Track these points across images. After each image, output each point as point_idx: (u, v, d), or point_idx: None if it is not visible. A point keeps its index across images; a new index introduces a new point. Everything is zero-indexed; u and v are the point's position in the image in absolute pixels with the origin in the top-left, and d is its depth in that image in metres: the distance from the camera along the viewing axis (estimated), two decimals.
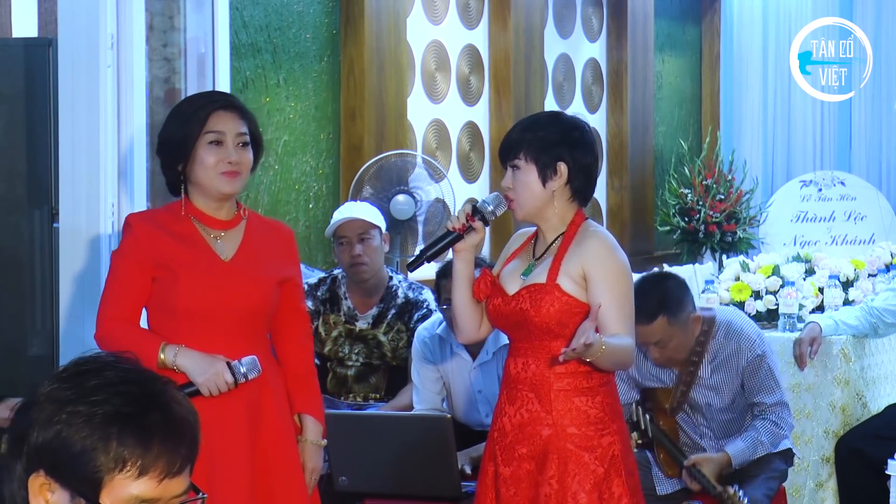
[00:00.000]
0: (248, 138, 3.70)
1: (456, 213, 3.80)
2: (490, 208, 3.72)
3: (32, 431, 1.89)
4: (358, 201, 5.67)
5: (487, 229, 3.82)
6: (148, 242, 3.64)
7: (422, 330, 5.15)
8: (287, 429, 3.77)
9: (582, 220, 3.71)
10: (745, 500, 4.51)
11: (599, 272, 3.59)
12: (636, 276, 4.03)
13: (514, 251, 3.85)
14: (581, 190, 3.71)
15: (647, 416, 4.84)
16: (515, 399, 3.70)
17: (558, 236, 3.70)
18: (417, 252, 3.88)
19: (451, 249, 3.79)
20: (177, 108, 3.77)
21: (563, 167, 3.65)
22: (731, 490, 4.52)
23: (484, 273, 3.80)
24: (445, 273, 4.93)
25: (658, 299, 4.58)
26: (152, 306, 3.67)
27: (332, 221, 5.36)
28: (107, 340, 3.65)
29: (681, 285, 4.69)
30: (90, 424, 1.86)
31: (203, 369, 3.59)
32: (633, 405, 4.86)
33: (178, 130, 3.67)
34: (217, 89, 5.13)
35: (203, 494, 1.95)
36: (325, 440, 3.89)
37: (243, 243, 3.75)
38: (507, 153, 3.72)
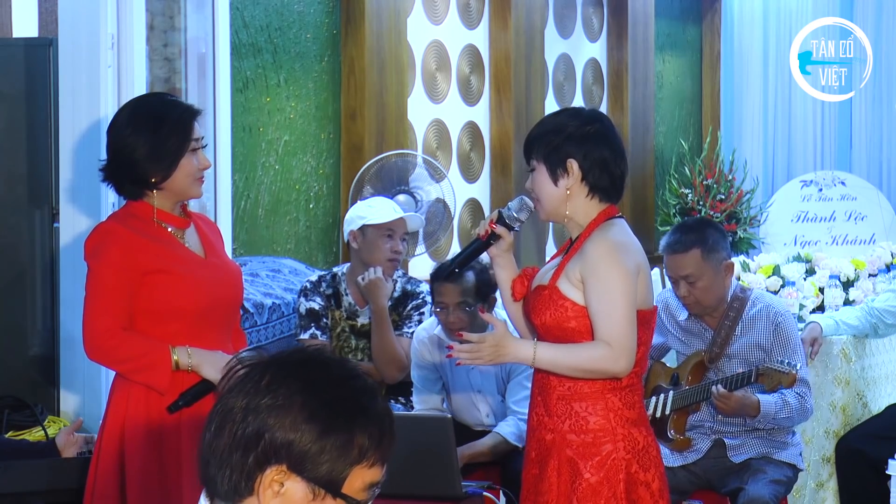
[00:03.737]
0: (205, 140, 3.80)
1: (483, 220, 3.78)
2: (513, 214, 3.69)
3: (269, 431, 1.98)
4: (391, 199, 5.67)
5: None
6: (134, 249, 3.63)
7: (420, 331, 5.16)
8: None
9: (604, 219, 3.59)
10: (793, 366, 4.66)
11: (591, 277, 3.49)
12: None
13: (557, 251, 3.81)
14: (599, 186, 3.58)
15: (663, 396, 4.88)
16: (531, 402, 3.68)
17: (579, 236, 3.63)
18: (448, 261, 3.92)
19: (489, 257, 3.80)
20: (141, 120, 3.71)
21: (573, 164, 3.57)
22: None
23: (522, 274, 3.76)
24: (437, 276, 4.93)
25: (697, 234, 4.84)
26: (141, 310, 3.65)
27: (382, 213, 5.32)
28: (106, 350, 3.62)
29: (720, 232, 4.93)
30: (332, 423, 1.97)
31: (220, 367, 3.63)
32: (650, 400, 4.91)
33: (170, 140, 3.66)
34: (218, 89, 5.13)
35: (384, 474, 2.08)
36: None
37: (203, 240, 3.80)
38: (525, 155, 3.69)
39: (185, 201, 3.79)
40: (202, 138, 3.76)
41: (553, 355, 3.52)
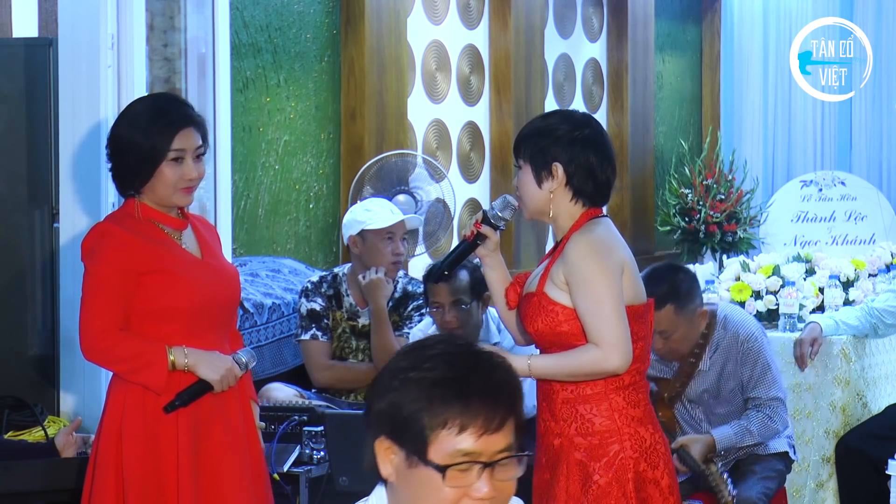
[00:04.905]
0: (203, 149, 3.72)
1: (469, 222, 3.77)
2: (497, 213, 3.68)
3: (374, 401, 2.11)
4: (388, 200, 5.66)
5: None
6: (130, 250, 3.62)
7: (416, 332, 5.17)
8: (251, 414, 3.86)
9: (585, 221, 3.58)
10: (728, 479, 4.53)
11: (574, 278, 3.48)
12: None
13: (546, 254, 3.80)
14: (584, 191, 3.58)
15: None
16: (537, 409, 3.67)
17: (563, 238, 3.61)
18: (438, 265, 3.92)
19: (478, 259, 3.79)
20: (134, 118, 3.70)
21: (558, 168, 3.56)
22: (714, 468, 4.55)
23: (515, 281, 3.74)
24: (430, 276, 4.93)
25: (668, 288, 4.62)
26: (138, 310, 3.64)
27: (381, 217, 5.32)
28: (102, 351, 3.62)
29: (691, 278, 4.75)
30: (418, 389, 2.06)
31: (216, 367, 3.64)
32: None
33: (142, 146, 3.63)
34: (217, 89, 5.13)
35: (528, 453, 2.11)
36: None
37: (200, 241, 3.78)
38: (514, 154, 3.69)
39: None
40: (198, 147, 3.68)
41: (547, 365, 3.52)
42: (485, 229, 3.67)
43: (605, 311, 3.46)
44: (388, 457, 2.10)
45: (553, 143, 3.57)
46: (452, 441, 2.04)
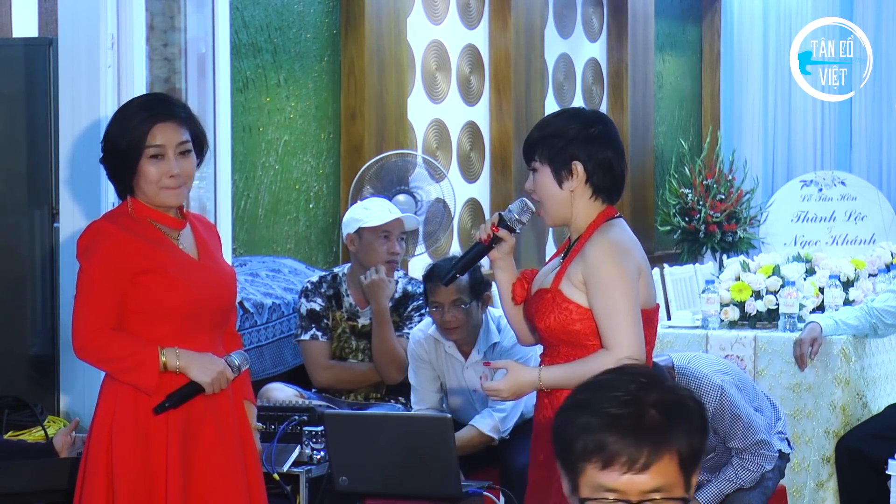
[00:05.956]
0: (189, 145, 3.65)
1: (483, 224, 3.75)
2: (514, 216, 3.67)
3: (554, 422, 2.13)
4: (387, 199, 5.66)
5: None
6: (126, 249, 3.59)
7: (416, 332, 5.17)
8: (245, 415, 3.84)
9: (603, 220, 3.58)
10: None
11: (592, 279, 3.48)
12: None
13: (556, 252, 3.79)
14: (602, 186, 3.57)
15: None
16: (538, 405, 3.67)
17: (579, 237, 3.61)
18: (447, 265, 3.90)
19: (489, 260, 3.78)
20: (118, 117, 3.69)
21: (578, 166, 3.55)
22: None
23: (522, 276, 3.74)
24: (430, 276, 4.93)
25: None
26: (131, 310, 3.61)
27: (377, 215, 5.32)
28: (93, 350, 3.60)
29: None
30: (575, 421, 2.06)
31: (208, 369, 3.61)
32: None
33: (121, 143, 3.61)
34: (217, 89, 5.13)
35: (686, 497, 2.05)
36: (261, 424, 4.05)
37: (198, 241, 3.74)
38: (526, 156, 3.66)
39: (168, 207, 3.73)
40: (182, 143, 3.61)
41: (558, 375, 3.52)
42: (502, 233, 3.67)
43: (618, 316, 3.47)
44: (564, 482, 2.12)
45: (569, 142, 3.56)
46: (596, 475, 2.03)
